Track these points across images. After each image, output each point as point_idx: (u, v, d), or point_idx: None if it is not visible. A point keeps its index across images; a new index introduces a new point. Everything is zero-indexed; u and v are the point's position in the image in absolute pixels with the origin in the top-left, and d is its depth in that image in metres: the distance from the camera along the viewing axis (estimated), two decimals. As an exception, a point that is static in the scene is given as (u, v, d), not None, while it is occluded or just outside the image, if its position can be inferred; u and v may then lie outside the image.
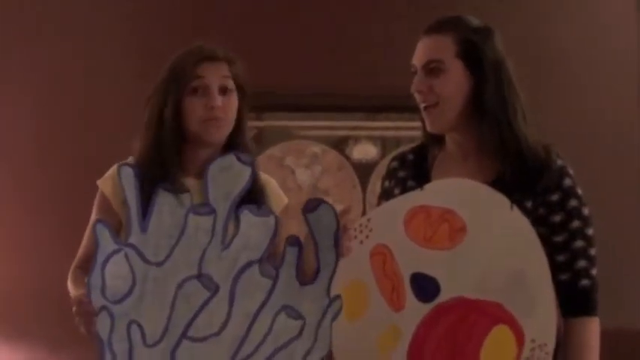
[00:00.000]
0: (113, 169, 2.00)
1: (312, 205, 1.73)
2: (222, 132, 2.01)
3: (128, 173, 1.71)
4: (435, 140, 2.09)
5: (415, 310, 1.89)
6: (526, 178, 1.96)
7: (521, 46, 3.30)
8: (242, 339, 1.68)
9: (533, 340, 1.84)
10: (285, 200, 2.11)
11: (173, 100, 1.98)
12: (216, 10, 3.42)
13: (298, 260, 1.71)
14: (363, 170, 3.39)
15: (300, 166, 3.41)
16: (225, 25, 3.39)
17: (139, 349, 1.65)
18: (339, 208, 3.27)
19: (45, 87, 3.41)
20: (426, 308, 1.88)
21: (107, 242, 1.66)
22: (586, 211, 1.98)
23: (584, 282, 1.95)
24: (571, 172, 1.99)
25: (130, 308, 1.66)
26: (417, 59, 2.03)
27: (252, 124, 3.26)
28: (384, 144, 3.41)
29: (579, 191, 1.99)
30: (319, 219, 1.72)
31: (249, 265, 1.69)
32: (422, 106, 2.02)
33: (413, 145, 2.19)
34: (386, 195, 2.17)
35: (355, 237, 1.96)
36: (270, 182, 2.13)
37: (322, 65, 3.39)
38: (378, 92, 3.35)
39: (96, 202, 2.06)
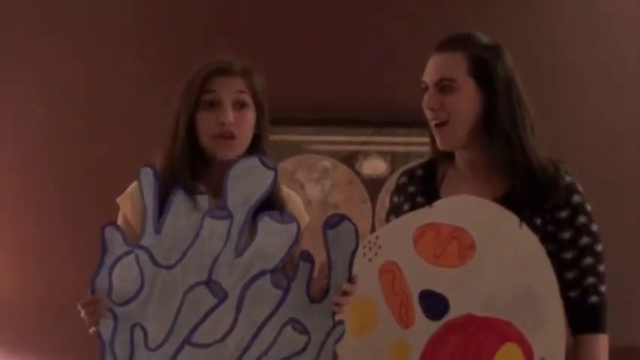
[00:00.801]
0: (132, 186, 1.93)
1: (333, 222, 1.70)
2: (234, 149, 1.92)
3: (147, 173, 1.70)
4: (444, 156, 2.09)
5: (424, 327, 1.89)
6: (535, 194, 1.97)
7: (524, 49, 3.34)
8: (245, 348, 1.66)
9: (542, 358, 1.84)
10: (307, 219, 2.03)
11: (186, 114, 1.92)
12: (225, 21, 3.43)
13: (309, 276, 1.70)
14: (373, 185, 3.38)
15: (310, 181, 3.41)
16: (233, 38, 3.39)
17: (141, 351, 1.64)
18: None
19: (51, 90, 3.39)
20: (434, 325, 1.89)
21: (117, 245, 1.64)
22: (595, 227, 1.99)
23: (593, 299, 1.95)
24: (580, 188, 2.00)
25: (135, 311, 1.65)
26: (429, 76, 2.03)
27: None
28: (394, 159, 3.41)
29: (588, 207, 1.99)
30: (338, 236, 1.70)
31: (261, 274, 1.67)
32: (432, 123, 2.02)
33: (422, 160, 2.19)
34: (395, 210, 2.17)
35: (364, 254, 1.97)
36: (293, 197, 2.06)
37: (333, 80, 3.37)
38: (388, 107, 3.34)
39: (119, 220, 2.01)
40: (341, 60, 3.41)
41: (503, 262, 1.89)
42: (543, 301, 1.86)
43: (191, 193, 1.72)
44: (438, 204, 1.99)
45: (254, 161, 1.71)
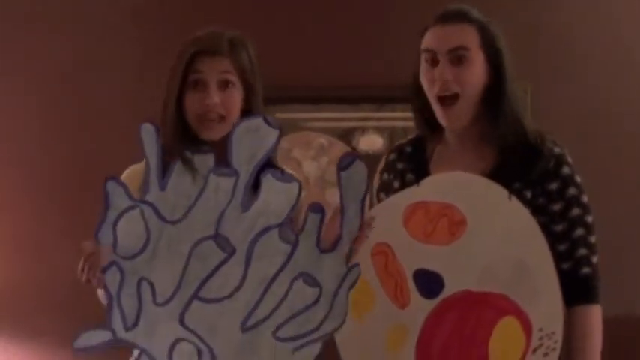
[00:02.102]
0: (126, 172, 1.96)
1: (346, 162, 1.70)
2: (218, 130, 1.94)
3: (149, 130, 1.68)
4: (432, 132, 2.07)
5: (420, 306, 1.89)
6: (524, 164, 1.96)
7: (525, 32, 3.35)
8: (256, 303, 1.65)
9: (540, 329, 1.84)
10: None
11: (174, 93, 1.94)
12: (222, 1, 3.43)
13: (319, 228, 1.68)
14: (370, 161, 3.36)
15: (306, 158, 3.40)
16: (231, 17, 3.37)
17: (148, 306, 1.63)
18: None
19: (49, 83, 3.40)
20: (431, 304, 1.88)
21: (121, 199, 1.62)
22: (585, 198, 1.99)
23: (585, 270, 1.96)
24: (569, 160, 1.99)
25: (142, 265, 1.63)
26: (441, 44, 1.99)
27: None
28: (391, 135, 3.40)
29: (578, 179, 1.99)
30: (351, 178, 1.69)
31: (268, 228, 1.65)
32: (440, 95, 1.98)
33: (411, 137, 2.17)
34: (385, 187, 2.16)
35: None
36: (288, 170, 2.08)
37: (328, 57, 3.37)
38: (384, 83, 3.33)
39: None
40: (336, 37, 3.41)
41: (494, 236, 1.88)
42: (537, 273, 1.86)
43: (198, 152, 1.73)
44: (425, 182, 1.97)
45: (258, 121, 1.70)
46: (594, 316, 1.97)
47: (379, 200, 2.16)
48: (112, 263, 1.61)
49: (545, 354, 1.84)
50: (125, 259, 1.62)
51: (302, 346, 1.68)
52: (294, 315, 1.66)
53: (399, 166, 2.14)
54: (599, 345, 1.98)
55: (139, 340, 1.64)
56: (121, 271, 1.62)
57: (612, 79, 3.41)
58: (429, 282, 1.89)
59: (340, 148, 3.37)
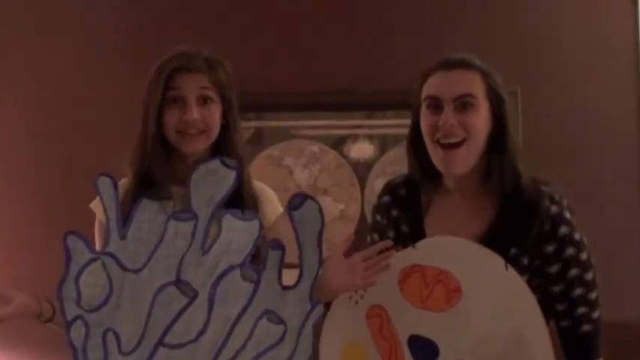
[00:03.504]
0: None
1: (297, 202, 1.67)
2: (198, 144, 2.01)
3: (106, 182, 1.69)
4: (427, 178, 2.04)
5: None
6: (521, 227, 1.92)
7: (513, 35, 3.34)
8: (221, 345, 1.65)
9: None
10: (281, 209, 2.09)
11: (153, 109, 1.98)
12: (213, 10, 3.43)
13: (280, 264, 1.67)
14: (361, 169, 3.39)
15: (298, 166, 3.41)
16: (222, 25, 3.39)
17: (115, 356, 1.63)
18: (338, 208, 3.31)
19: (42, 87, 3.43)
20: None
21: (81, 253, 1.64)
22: (584, 255, 1.95)
23: (585, 327, 1.94)
24: (567, 216, 1.94)
25: (106, 316, 1.64)
26: (447, 91, 1.95)
27: (250, 124, 3.30)
28: (382, 142, 3.40)
29: (577, 236, 1.94)
30: (303, 217, 1.67)
31: (230, 269, 1.66)
32: (443, 142, 1.95)
33: (402, 176, 2.14)
34: (377, 229, 2.15)
35: (350, 297, 1.98)
36: (266, 191, 2.12)
37: (319, 65, 3.38)
38: (375, 91, 3.35)
39: (95, 227, 2.10)
40: (327, 45, 3.41)
41: (490, 307, 1.86)
42: (533, 346, 1.82)
43: (157, 197, 1.74)
44: (420, 244, 1.95)
45: (215, 163, 1.69)
46: None
47: (371, 240, 2.16)
48: (76, 318, 1.63)
49: None
50: (90, 311, 1.64)
51: (270, 384, 1.69)
52: (260, 354, 1.66)
53: (394, 212, 2.11)
54: None
55: None
56: (86, 325, 1.63)
57: (601, 81, 3.39)
58: (423, 349, 1.89)
59: (331, 156, 3.39)
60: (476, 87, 1.95)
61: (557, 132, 3.31)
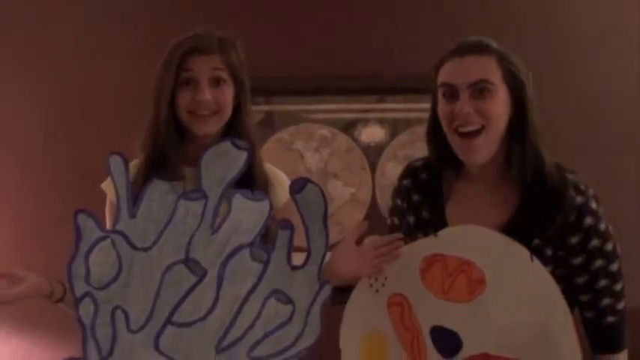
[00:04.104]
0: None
1: (298, 186, 1.70)
2: (210, 125, 2.03)
3: (116, 161, 1.71)
4: (448, 164, 2.01)
5: None
6: (545, 217, 1.89)
7: (524, 19, 3.33)
8: (229, 324, 1.67)
9: None
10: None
11: (167, 91, 2.00)
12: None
13: (290, 244, 1.69)
14: (372, 153, 3.39)
15: (308, 150, 3.41)
16: (232, 10, 3.39)
17: (123, 334, 1.65)
18: (349, 192, 3.31)
19: (49, 73, 3.43)
20: None
21: (91, 231, 1.66)
22: (609, 246, 1.92)
23: (610, 319, 1.92)
24: (593, 206, 1.90)
25: (115, 294, 1.66)
26: (462, 78, 1.91)
27: (261, 109, 3.30)
28: (393, 126, 3.40)
29: (602, 226, 1.91)
30: (306, 199, 1.69)
31: (239, 248, 1.67)
32: (463, 130, 1.91)
33: (423, 158, 2.10)
34: (398, 214, 2.13)
35: (371, 285, 1.96)
36: (278, 175, 2.14)
37: (329, 49, 3.36)
38: (385, 75, 3.33)
39: (106, 207, 2.10)
40: (338, 28, 3.41)
41: (515, 298, 1.83)
42: (558, 338, 1.80)
43: (169, 179, 1.76)
44: (443, 233, 1.93)
45: (226, 145, 1.72)
46: None
47: (391, 222, 2.15)
48: (85, 295, 1.65)
49: None
50: (99, 289, 1.65)
51: (278, 363, 1.70)
52: (268, 333, 1.67)
53: (414, 197, 2.08)
54: None
55: None
56: (95, 302, 1.65)
57: (612, 68, 3.35)
58: (446, 340, 1.86)
59: (342, 140, 3.39)
60: (492, 72, 1.90)
61: (570, 115, 3.29)
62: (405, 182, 2.11)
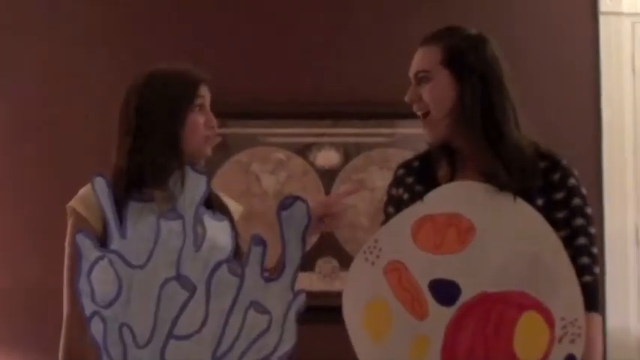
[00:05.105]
0: (82, 190, 2.14)
1: (287, 203, 1.81)
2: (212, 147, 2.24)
3: (101, 183, 1.81)
4: (440, 146, 2.14)
5: (440, 315, 1.91)
6: (524, 181, 2.00)
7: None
8: (220, 335, 1.78)
9: (563, 319, 1.87)
10: (241, 208, 2.34)
11: (182, 114, 2.15)
12: (186, 16, 3.49)
13: (262, 258, 1.80)
14: (327, 176, 3.46)
15: (265, 172, 3.47)
16: (192, 34, 3.45)
17: (132, 350, 1.75)
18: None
19: (23, 86, 3.46)
20: (450, 311, 1.91)
21: (90, 250, 1.76)
22: (589, 210, 2.05)
23: (587, 278, 1.98)
24: (576, 173, 2.07)
25: (119, 312, 1.76)
26: (410, 70, 2.13)
27: (218, 131, 3.33)
28: (347, 150, 3.48)
29: (584, 191, 2.07)
30: (291, 215, 1.80)
31: (219, 264, 1.79)
32: (419, 115, 2.12)
33: (418, 153, 2.25)
34: (393, 201, 2.20)
35: (366, 259, 2.00)
36: (221, 193, 2.30)
37: (286, 74, 3.47)
38: (340, 100, 3.45)
39: (70, 225, 2.16)
40: (295, 55, 3.51)
41: (504, 236, 1.92)
42: (552, 264, 1.89)
43: (142, 200, 1.92)
44: (428, 197, 2.01)
45: (187, 169, 1.88)
46: (596, 324, 2.00)
47: (386, 214, 2.21)
48: (94, 313, 1.75)
49: (572, 341, 1.86)
50: (104, 307, 1.76)
51: (263, 370, 1.81)
52: (252, 342, 1.79)
53: (408, 180, 2.18)
54: (601, 355, 2.03)
55: None
56: (103, 320, 1.75)
57: (559, 91, 3.49)
58: (445, 290, 1.91)
59: (298, 163, 3.47)
60: (429, 61, 2.09)
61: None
62: (399, 172, 2.24)
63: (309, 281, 3.32)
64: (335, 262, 3.37)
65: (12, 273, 3.35)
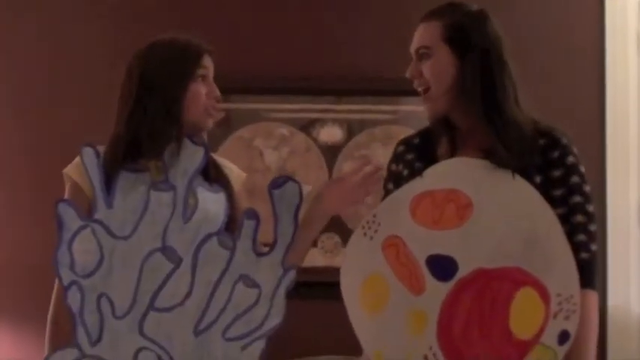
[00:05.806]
0: (79, 157, 2.07)
1: (279, 182, 1.82)
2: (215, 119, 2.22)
3: (89, 153, 1.80)
4: (440, 123, 2.14)
5: (436, 290, 1.92)
6: (522, 158, 2.00)
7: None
8: (204, 308, 1.78)
9: (558, 295, 1.88)
10: (244, 174, 2.30)
11: (182, 83, 2.13)
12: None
13: (255, 232, 1.80)
14: (329, 152, 3.46)
15: (268, 148, 3.47)
16: (195, 10, 3.44)
17: (109, 320, 1.75)
18: (306, 190, 3.35)
19: (14, 69, 3.45)
20: (447, 286, 1.92)
21: (72, 220, 1.75)
22: (587, 188, 2.04)
23: (584, 255, 1.99)
24: (575, 151, 2.07)
25: (99, 282, 1.75)
26: (412, 46, 2.13)
27: (221, 106, 3.34)
28: (350, 127, 3.48)
29: (582, 169, 2.06)
30: (283, 194, 1.81)
31: (208, 237, 1.79)
32: (419, 91, 2.12)
33: (419, 129, 2.25)
34: (393, 177, 2.21)
35: (365, 234, 2.02)
36: (225, 162, 2.29)
37: (289, 49, 3.45)
38: (344, 76, 3.42)
39: (67, 190, 2.17)
40: (299, 30, 3.47)
41: (502, 213, 1.93)
42: (548, 241, 1.90)
43: (135, 170, 1.88)
44: (427, 172, 2.03)
45: (185, 141, 1.86)
46: (592, 301, 2.00)
47: (386, 190, 2.23)
48: (72, 283, 1.74)
49: (567, 317, 1.88)
50: (83, 277, 1.75)
51: (249, 343, 1.80)
52: (238, 316, 1.79)
53: (408, 156, 2.20)
54: (596, 332, 2.02)
55: (105, 353, 1.77)
56: (81, 290, 1.74)
57: (564, 70, 3.46)
58: (442, 266, 1.92)
59: (301, 139, 3.46)
60: (429, 36, 2.09)
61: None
62: (399, 149, 2.24)
63: (312, 257, 3.32)
64: (337, 238, 3.35)
65: (14, 247, 3.36)
